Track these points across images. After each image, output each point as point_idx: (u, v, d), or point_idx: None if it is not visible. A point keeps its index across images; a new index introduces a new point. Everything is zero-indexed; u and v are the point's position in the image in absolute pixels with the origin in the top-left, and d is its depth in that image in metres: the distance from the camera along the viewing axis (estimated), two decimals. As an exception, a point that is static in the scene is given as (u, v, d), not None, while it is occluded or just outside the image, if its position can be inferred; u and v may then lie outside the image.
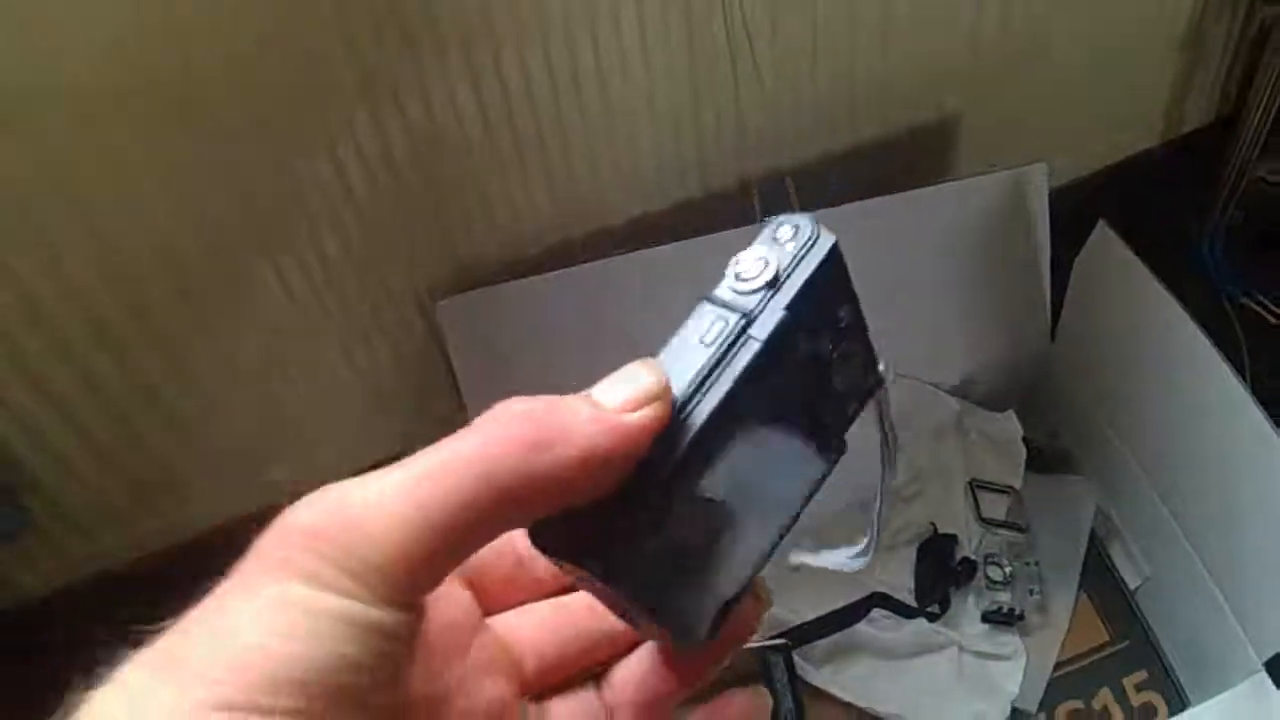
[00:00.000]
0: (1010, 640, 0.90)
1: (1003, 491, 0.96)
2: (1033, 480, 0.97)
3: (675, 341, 0.25)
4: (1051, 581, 0.93)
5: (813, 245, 0.25)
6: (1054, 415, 1.01)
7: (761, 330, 0.25)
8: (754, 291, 0.25)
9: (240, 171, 0.74)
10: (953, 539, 0.93)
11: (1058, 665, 0.89)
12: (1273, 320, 1.04)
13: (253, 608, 0.21)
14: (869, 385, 0.29)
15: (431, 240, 0.85)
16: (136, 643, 0.21)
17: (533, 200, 0.86)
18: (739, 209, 0.83)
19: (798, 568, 0.34)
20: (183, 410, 0.85)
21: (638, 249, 0.85)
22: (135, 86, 0.66)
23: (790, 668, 0.83)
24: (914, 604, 0.91)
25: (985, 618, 0.91)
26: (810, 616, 0.88)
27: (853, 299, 0.27)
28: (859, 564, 0.33)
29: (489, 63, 0.76)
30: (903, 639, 0.90)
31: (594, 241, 0.90)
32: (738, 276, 0.25)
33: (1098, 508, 0.95)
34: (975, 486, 0.96)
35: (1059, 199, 0.92)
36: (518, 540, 0.28)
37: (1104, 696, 0.88)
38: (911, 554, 0.93)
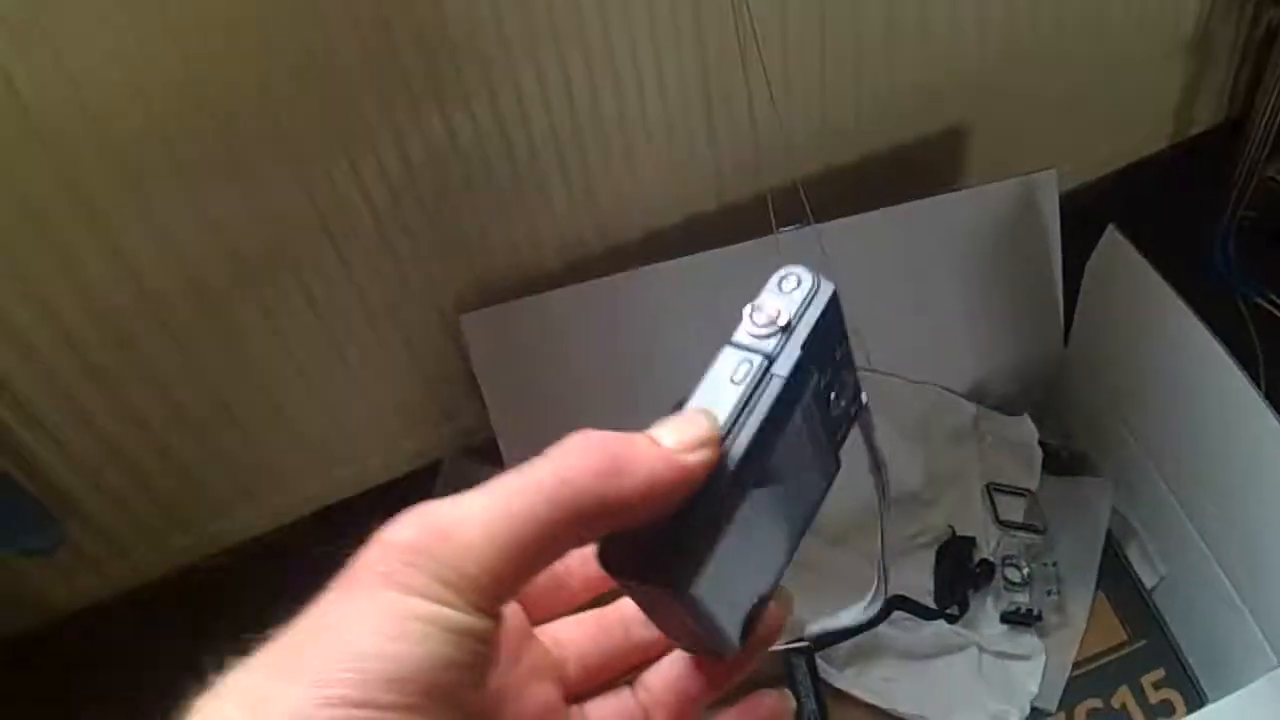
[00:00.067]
0: (1029, 640, 0.91)
1: (1019, 494, 0.97)
2: (1049, 482, 0.98)
3: (707, 381, 0.28)
4: (1069, 582, 0.93)
5: (816, 292, 0.29)
6: (1068, 418, 1.02)
7: (782, 369, 0.28)
8: (770, 335, 0.28)
9: (267, 193, 0.75)
10: (971, 541, 0.94)
11: (1076, 664, 0.90)
12: (1286, 319, 1.04)
13: (361, 615, 0.24)
14: (854, 410, 0.32)
15: (453, 256, 0.87)
16: (244, 650, 0.23)
17: (552, 216, 0.88)
18: (753, 221, 0.84)
19: (820, 636, 0.39)
20: (213, 428, 0.87)
21: (654, 262, 0.86)
22: (168, 111, 0.68)
23: (813, 670, 0.85)
24: (933, 606, 0.92)
25: (1004, 618, 0.92)
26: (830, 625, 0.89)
27: (845, 337, 0.31)
28: (870, 614, 0.36)
29: (507, 83, 0.77)
30: (923, 640, 0.91)
31: (611, 255, 0.92)
32: (754, 322, 0.29)
33: (1114, 509, 0.96)
34: (992, 489, 0.97)
35: (1069, 203, 0.93)
36: None
37: (1123, 695, 0.88)
38: (930, 556, 0.94)
